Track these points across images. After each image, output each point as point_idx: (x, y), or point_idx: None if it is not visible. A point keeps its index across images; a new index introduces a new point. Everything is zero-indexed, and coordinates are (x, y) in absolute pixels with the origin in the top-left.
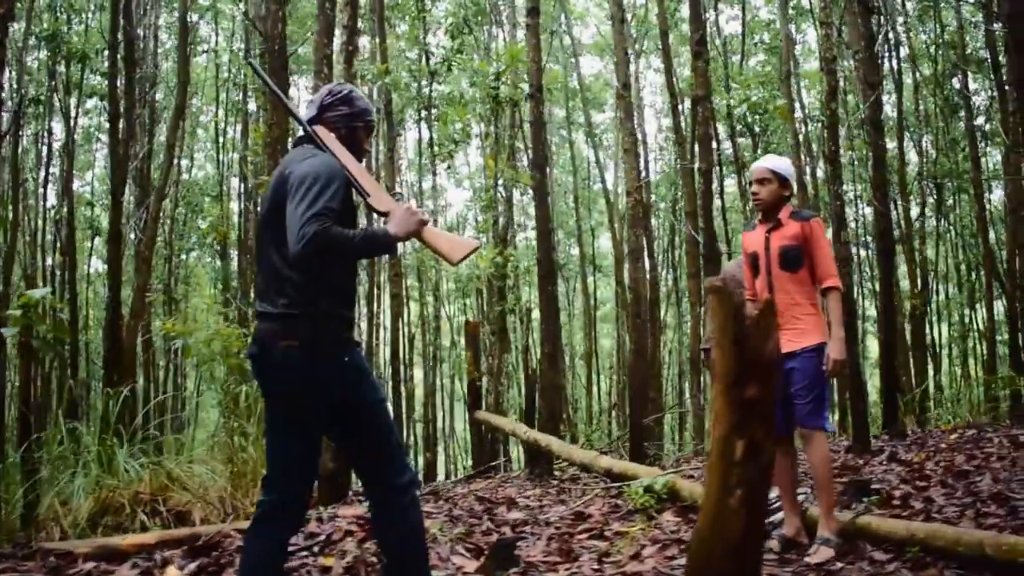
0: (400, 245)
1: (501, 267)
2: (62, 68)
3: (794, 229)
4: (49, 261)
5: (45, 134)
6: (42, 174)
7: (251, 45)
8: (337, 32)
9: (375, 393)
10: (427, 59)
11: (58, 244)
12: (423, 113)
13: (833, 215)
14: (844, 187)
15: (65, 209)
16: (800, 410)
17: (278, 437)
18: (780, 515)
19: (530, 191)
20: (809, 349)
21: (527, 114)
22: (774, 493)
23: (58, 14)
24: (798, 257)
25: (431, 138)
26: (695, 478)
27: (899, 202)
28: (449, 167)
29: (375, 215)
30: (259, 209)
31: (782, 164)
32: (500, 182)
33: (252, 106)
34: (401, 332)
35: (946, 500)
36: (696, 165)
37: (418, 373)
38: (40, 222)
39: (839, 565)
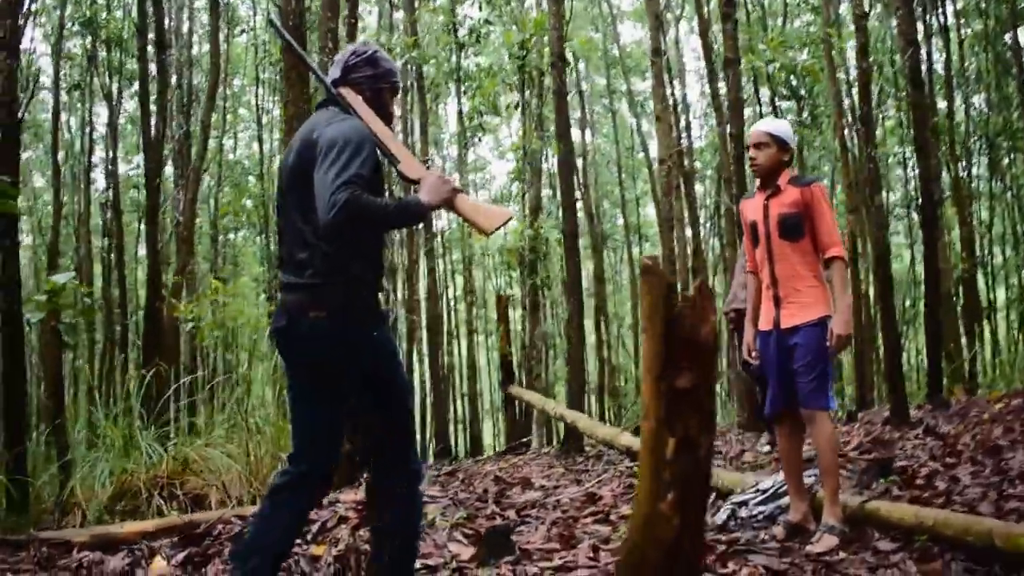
0: (437, 217)
1: (532, 239)
2: (103, 53)
3: (794, 195)
4: (100, 244)
5: (90, 118)
6: (86, 159)
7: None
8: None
9: (403, 373)
10: (455, 31)
11: (106, 227)
12: (458, 86)
13: (868, 178)
14: (895, 149)
15: (111, 192)
16: (802, 388)
17: (306, 407)
18: (786, 499)
19: None
20: (811, 323)
21: (551, 83)
22: (779, 476)
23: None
24: (798, 225)
25: (462, 111)
26: (720, 453)
27: (950, 163)
28: (479, 139)
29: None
30: (281, 173)
31: (780, 127)
32: (532, 152)
33: None
34: (444, 306)
35: (972, 479)
36: (728, 130)
37: (465, 346)
38: (90, 207)
39: (841, 555)
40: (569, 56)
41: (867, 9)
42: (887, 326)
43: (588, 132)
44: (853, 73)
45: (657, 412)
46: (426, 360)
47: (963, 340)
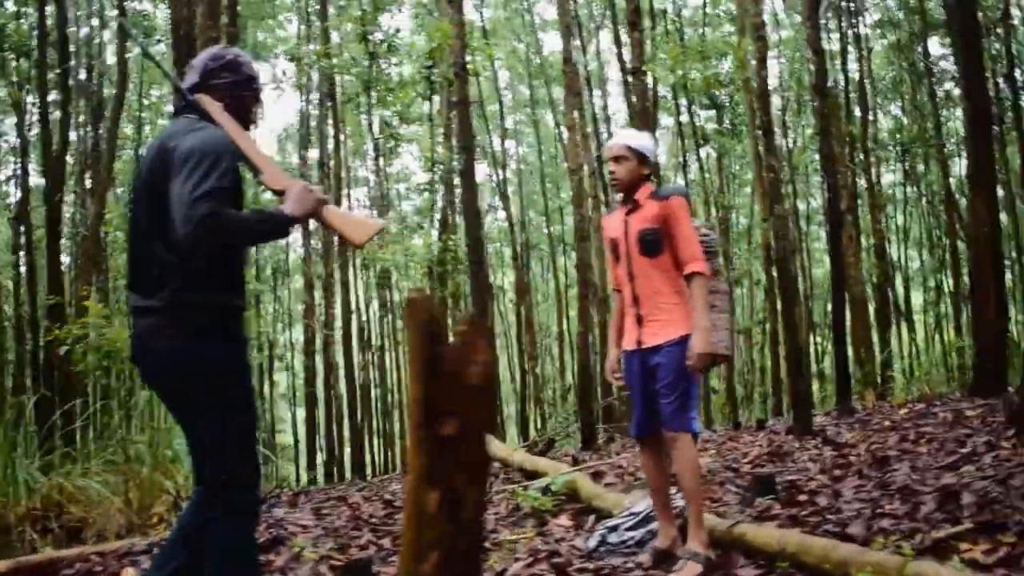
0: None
1: (441, 251)
2: (14, 63)
3: (653, 210)
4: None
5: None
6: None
7: None
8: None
9: (240, 417)
10: (366, 40)
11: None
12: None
13: (767, 189)
14: (813, 156)
15: (21, 206)
16: (664, 409)
17: (183, 428)
18: (656, 524)
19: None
20: (673, 342)
21: (453, 94)
22: (646, 501)
23: (4, 7)
24: (657, 241)
25: (372, 123)
26: (611, 470)
27: (864, 170)
28: (395, 150)
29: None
30: (133, 187)
31: (640, 140)
32: (440, 163)
33: None
34: (358, 320)
35: (854, 494)
36: None
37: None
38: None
39: None
40: (486, 66)
41: (771, 19)
42: (789, 335)
43: (512, 142)
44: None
45: (418, 464)
46: (342, 375)
47: (877, 345)
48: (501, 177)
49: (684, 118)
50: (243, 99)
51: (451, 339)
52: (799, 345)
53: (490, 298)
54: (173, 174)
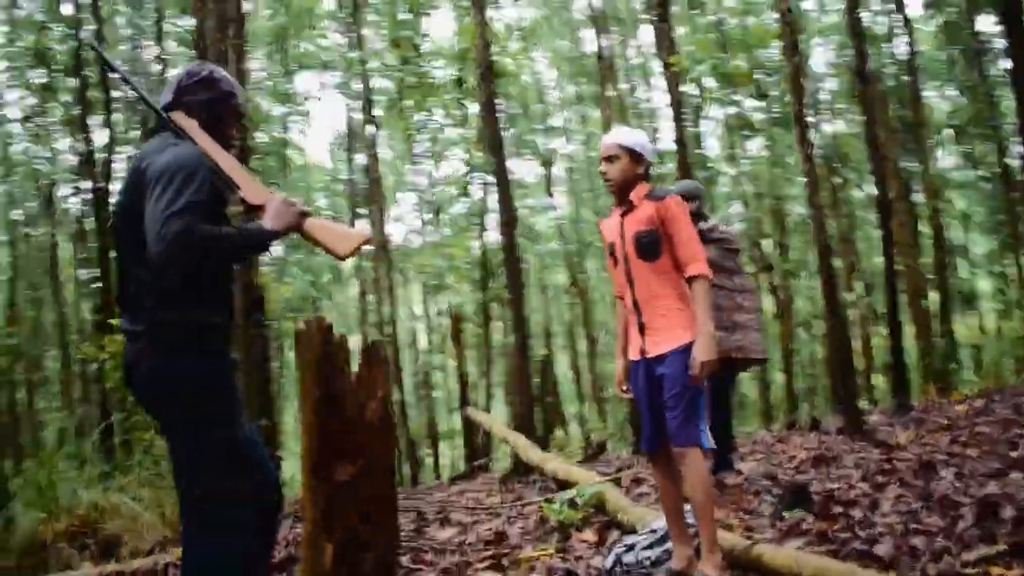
0: None
1: (481, 255)
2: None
3: (648, 211)
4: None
5: None
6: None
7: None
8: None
9: (216, 413)
10: (397, 45)
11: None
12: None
13: (806, 178)
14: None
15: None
16: (670, 424)
17: (167, 443)
18: (670, 544)
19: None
20: (678, 350)
21: (479, 96)
22: (660, 521)
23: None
24: (654, 243)
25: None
26: (642, 482)
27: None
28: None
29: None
30: (115, 212)
31: (634, 137)
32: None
33: None
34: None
35: (891, 507)
36: (675, 136)
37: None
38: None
39: None
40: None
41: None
42: (833, 330)
43: (561, 140)
44: (820, 68)
45: (312, 514)
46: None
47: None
48: (551, 176)
49: (732, 109)
50: (220, 116)
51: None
52: (846, 341)
53: (543, 298)
54: (147, 194)
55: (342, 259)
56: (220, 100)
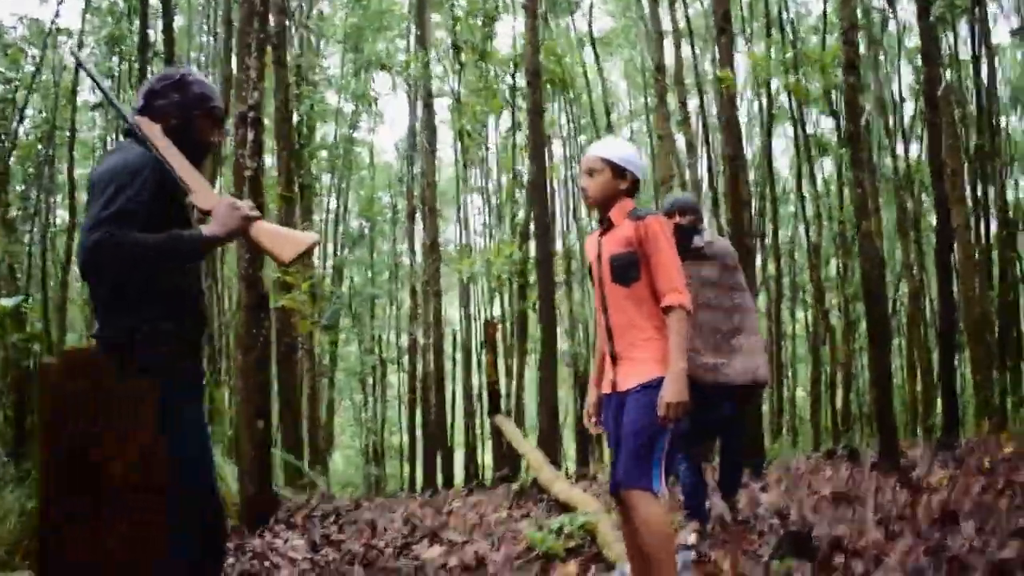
0: None
1: (519, 263)
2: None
3: (627, 232)
4: None
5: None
6: None
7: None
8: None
9: (168, 449)
10: (457, 50)
11: None
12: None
13: (855, 203)
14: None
15: None
16: (621, 464)
17: None
18: None
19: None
20: (643, 385)
21: (526, 102)
22: (626, 568)
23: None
24: (631, 266)
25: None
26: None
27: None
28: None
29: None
30: None
31: (616, 150)
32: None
33: None
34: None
35: (898, 561)
36: (724, 150)
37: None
38: None
39: None
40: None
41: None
42: (875, 360)
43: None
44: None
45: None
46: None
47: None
48: None
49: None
50: (191, 119)
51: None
52: (887, 370)
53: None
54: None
55: (285, 265)
56: (192, 103)
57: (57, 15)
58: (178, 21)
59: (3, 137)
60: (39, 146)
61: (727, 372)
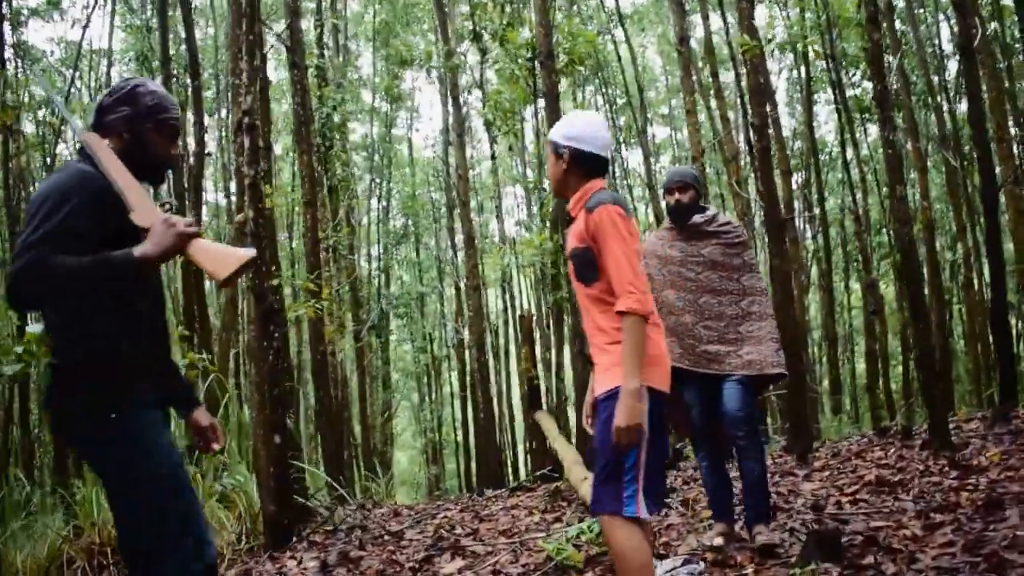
0: None
1: (553, 253)
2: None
3: (580, 224)
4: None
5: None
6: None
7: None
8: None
9: (138, 470)
10: (478, 37)
11: None
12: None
13: (886, 166)
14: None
15: None
16: (591, 485)
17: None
18: None
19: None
20: (605, 395)
21: (540, 84)
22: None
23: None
24: (588, 264)
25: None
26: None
27: None
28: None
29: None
30: None
31: (563, 128)
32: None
33: None
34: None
35: (932, 560)
36: (751, 120)
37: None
38: None
39: None
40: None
41: None
42: (917, 330)
43: (665, 128)
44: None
45: None
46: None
47: None
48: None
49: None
50: (143, 132)
51: None
52: (930, 343)
53: None
54: None
55: (223, 284)
56: (143, 115)
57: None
58: (210, 31)
59: (46, 159)
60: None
61: (732, 362)
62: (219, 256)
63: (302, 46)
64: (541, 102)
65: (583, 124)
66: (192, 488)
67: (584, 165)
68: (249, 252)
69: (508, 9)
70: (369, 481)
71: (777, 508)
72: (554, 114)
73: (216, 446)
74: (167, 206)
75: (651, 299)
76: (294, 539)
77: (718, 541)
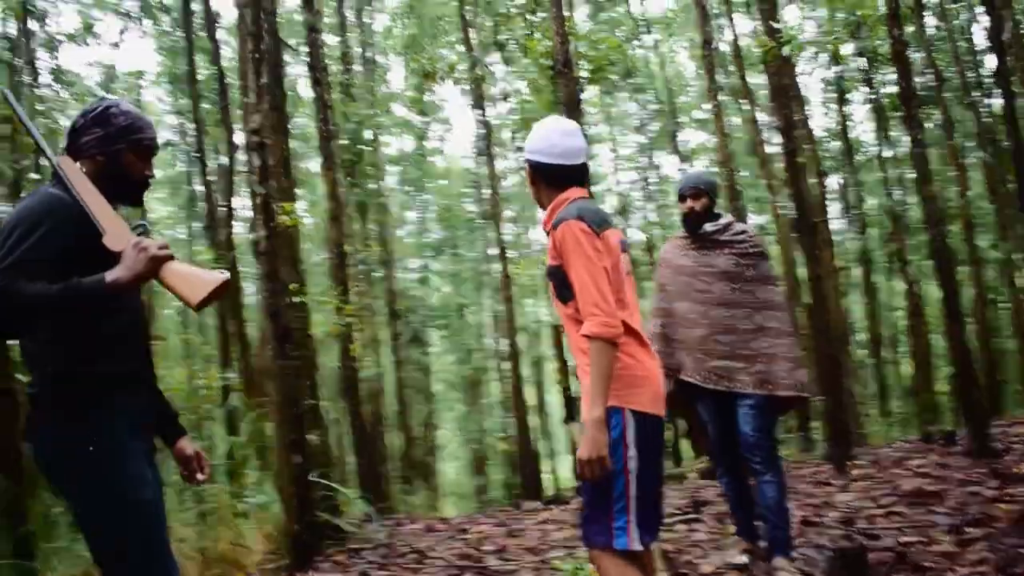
0: None
1: None
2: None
3: (551, 240)
4: None
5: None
6: None
7: None
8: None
9: (106, 498)
10: (502, 48)
11: None
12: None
13: (914, 166)
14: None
15: None
16: (580, 515)
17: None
18: None
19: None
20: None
21: (561, 94)
22: None
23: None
24: (563, 282)
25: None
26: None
27: None
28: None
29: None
30: None
31: (527, 140)
32: None
33: None
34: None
35: (968, 573)
36: (775, 123)
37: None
38: None
39: None
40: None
41: None
42: (951, 331)
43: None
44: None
45: None
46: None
47: None
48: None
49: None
50: (118, 153)
51: None
52: (964, 344)
53: None
54: None
55: (196, 308)
56: (117, 136)
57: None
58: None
59: None
60: None
61: (742, 379)
62: (192, 280)
63: (322, 62)
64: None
65: (540, 134)
66: (164, 531)
67: (545, 177)
68: (223, 276)
69: (531, 19)
70: (408, 495)
71: (807, 522)
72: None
73: (201, 477)
74: (139, 229)
75: (636, 317)
76: (318, 558)
77: (742, 559)
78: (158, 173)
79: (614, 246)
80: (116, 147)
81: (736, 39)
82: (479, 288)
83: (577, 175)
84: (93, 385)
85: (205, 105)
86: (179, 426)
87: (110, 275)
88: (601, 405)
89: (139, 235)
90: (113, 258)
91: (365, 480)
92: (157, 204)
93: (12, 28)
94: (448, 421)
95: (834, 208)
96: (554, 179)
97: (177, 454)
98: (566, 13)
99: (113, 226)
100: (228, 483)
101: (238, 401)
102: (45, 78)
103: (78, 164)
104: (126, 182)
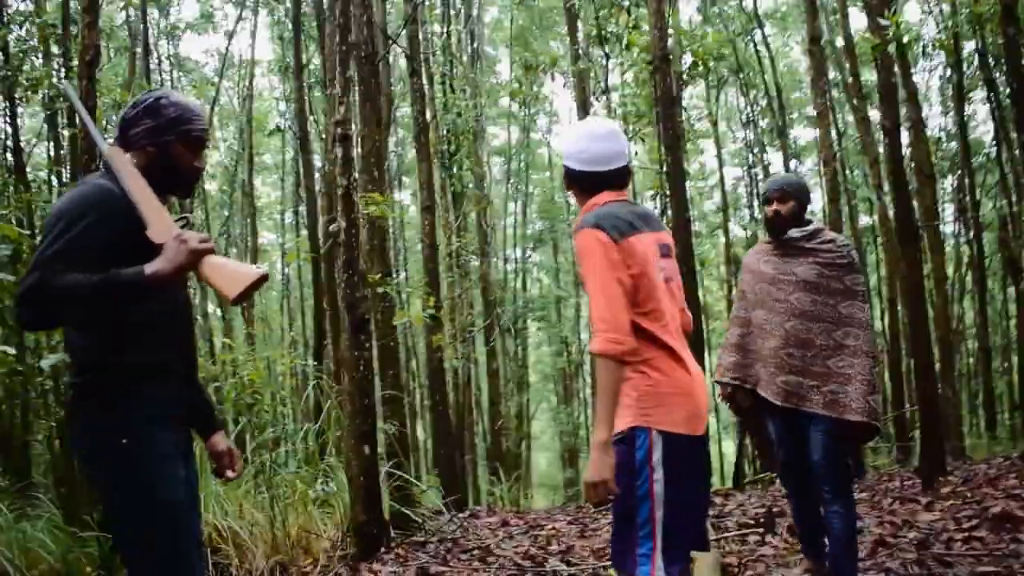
0: None
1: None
2: None
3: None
4: None
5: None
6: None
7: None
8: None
9: (135, 494)
10: (605, 41)
11: None
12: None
13: (1012, 175)
14: None
15: None
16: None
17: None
18: None
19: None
20: (615, 440)
21: (656, 88)
22: None
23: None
24: None
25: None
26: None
27: None
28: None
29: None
30: None
31: (564, 145)
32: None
33: None
34: None
35: None
36: (882, 122)
37: None
38: None
39: None
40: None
41: None
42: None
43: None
44: None
45: None
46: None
47: None
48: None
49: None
50: (168, 144)
51: None
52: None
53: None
54: None
55: (233, 302)
56: (167, 127)
57: (228, 46)
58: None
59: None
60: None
61: (813, 399)
62: (231, 274)
63: (419, 54)
64: None
65: (571, 139)
66: (192, 530)
67: (577, 182)
68: (261, 270)
69: (634, 13)
70: (493, 486)
71: (882, 541)
72: (668, 119)
73: (231, 474)
74: (183, 221)
75: (672, 328)
76: (382, 550)
77: None
78: (267, 158)
79: (641, 252)
80: (166, 138)
81: (849, 35)
82: (577, 282)
83: (613, 179)
84: (122, 375)
85: (317, 94)
86: (215, 420)
87: (150, 267)
88: (607, 426)
89: (181, 227)
90: (157, 251)
91: (444, 470)
92: (267, 188)
93: (133, 16)
94: (543, 412)
95: (948, 211)
96: (586, 184)
97: (210, 448)
98: (669, 8)
99: (158, 219)
100: (303, 470)
101: (318, 389)
102: (163, 65)
103: (128, 155)
104: (176, 173)
